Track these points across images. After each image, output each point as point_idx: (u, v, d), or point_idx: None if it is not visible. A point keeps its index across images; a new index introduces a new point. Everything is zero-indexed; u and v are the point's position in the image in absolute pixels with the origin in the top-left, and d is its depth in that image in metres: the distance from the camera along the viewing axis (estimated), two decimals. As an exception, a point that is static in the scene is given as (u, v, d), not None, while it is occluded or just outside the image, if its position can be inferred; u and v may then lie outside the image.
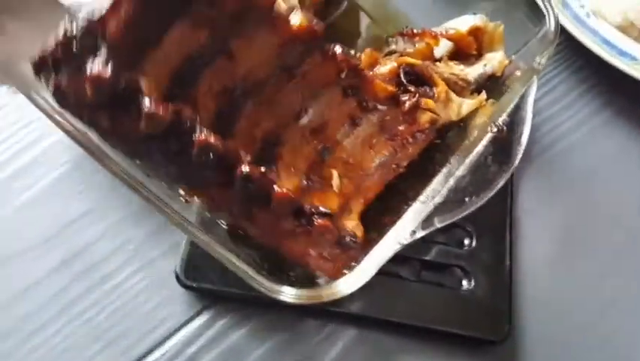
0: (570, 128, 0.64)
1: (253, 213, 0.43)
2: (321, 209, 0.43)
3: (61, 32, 0.37)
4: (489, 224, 0.56)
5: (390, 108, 0.49)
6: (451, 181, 0.45)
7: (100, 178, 0.55)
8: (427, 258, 0.53)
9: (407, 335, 0.51)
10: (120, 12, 0.38)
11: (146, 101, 0.38)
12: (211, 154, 0.40)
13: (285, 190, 0.42)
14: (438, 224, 0.44)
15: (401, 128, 0.49)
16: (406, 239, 0.43)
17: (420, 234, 0.43)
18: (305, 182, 0.47)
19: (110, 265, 0.52)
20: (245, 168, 0.41)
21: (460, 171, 0.46)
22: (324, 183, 0.48)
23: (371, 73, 0.49)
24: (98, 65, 0.36)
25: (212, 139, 0.40)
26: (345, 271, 0.43)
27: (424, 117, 0.49)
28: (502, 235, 0.55)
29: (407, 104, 0.49)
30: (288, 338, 0.51)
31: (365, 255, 0.43)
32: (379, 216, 0.48)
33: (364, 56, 0.52)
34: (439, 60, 0.56)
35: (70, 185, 0.55)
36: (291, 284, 0.41)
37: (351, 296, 0.47)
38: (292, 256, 0.44)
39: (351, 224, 0.47)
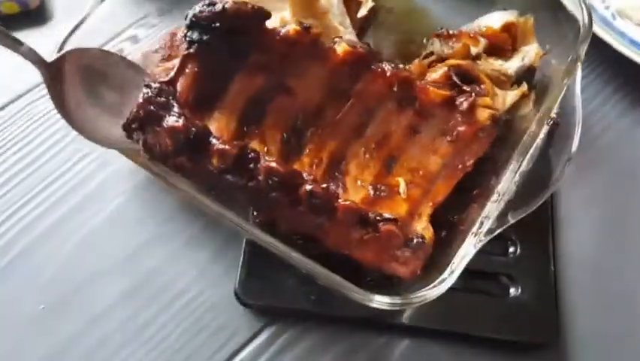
0: (602, 130, 0.65)
1: (323, 227, 0.46)
2: (386, 215, 0.45)
3: (140, 98, 0.44)
4: (532, 230, 0.57)
5: (448, 112, 0.52)
6: (518, 176, 0.48)
7: (158, 206, 0.58)
8: (474, 267, 0.56)
9: (459, 344, 0.53)
10: (186, 73, 0.47)
11: (215, 141, 0.44)
12: (275, 177, 0.44)
13: (349, 202, 0.45)
14: (512, 219, 0.46)
15: (461, 128, 0.51)
16: (485, 237, 0.45)
17: (497, 231, 0.46)
18: (372, 192, 0.51)
19: (175, 289, 0.54)
20: (308, 186, 0.44)
21: (524, 166, 0.48)
22: (392, 192, 0.51)
23: (422, 81, 0.52)
24: (171, 119, 0.43)
25: (274, 164, 0.44)
26: (418, 271, 0.46)
27: (484, 115, 0.51)
28: (545, 240, 0.57)
29: (465, 105, 0.51)
30: (347, 349, 0.53)
31: (443, 254, 0.46)
32: (446, 215, 0.51)
33: (414, 67, 0.55)
34: (478, 58, 0.58)
35: (131, 214, 0.57)
36: (370, 288, 0.44)
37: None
38: (366, 262, 0.47)
39: (421, 226, 0.50)
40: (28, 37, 0.65)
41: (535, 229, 0.58)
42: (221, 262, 0.55)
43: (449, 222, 0.52)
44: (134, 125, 0.45)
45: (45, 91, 0.45)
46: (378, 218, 0.44)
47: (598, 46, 0.68)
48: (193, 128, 0.43)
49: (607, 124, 0.66)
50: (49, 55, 0.46)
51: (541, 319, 0.53)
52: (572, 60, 0.53)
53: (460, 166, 0.52)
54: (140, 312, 0.53)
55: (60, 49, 0.48)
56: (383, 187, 0.50)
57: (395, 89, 0.51)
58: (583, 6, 0.55)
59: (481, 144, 0.52)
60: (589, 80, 0.69)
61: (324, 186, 0.44)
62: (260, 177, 0.43)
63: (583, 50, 0.53)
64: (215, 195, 0.45)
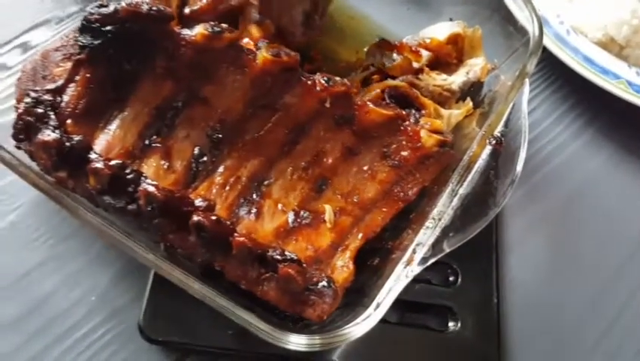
0: (553, 152, 0.61)
1: (218, 261, 0.41)
2: (287, 255, 0.40)
3: (21, 108, 0.39)
4: (475, 258, 0.52)
5: (390, 133, 0.47)
6: (456, 201, 0.43)
7: (56, 223, 0.51)
8: (411, 298, 0.51)
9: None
10: (76, 80, 0.41)
11: (94, 157, 0.39)
12: (154, 203, 0.39)
13: (243, 239, 0.39)
14: (447, 248, 0.42)
15: (405, 154, 0.46)
16: (417, 267, 0.41)
17: (431, 260, 0.41)
18: (293, 219, 0.45)
19: (70, 320, 0.47)
20: (195, 218, 0.39)
21: (463, 189, 0.44)
22: (317, 220, 0.45)
23: (361, 98, 0.47)
24: (45, 133, 0.39)
25: (152, 188, 0.39)
26: (325, 316, 0.40)
27: (430, 141, 0.46)
28: (488, 268, 0.52)
29: (409, 128, 0.46)
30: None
31: (374, 285, 0.41)
32: (380, 241, 0.46)
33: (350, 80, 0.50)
34: (420, 71, 0.54)
35: (23, 232, 0.50)
36: (285, 326, 0.39)
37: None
38: (268, 300, 0.41)
39: (341, 262, 0.45)
40: None
41: (477, 256, 0.53)
42: (126, 287, 0.49)
43: (383, 249, 0.47)
44: (20, 136, 0.41)
45: None
46: (277, 258, 0.39)
47: (552, 62, 0.65)
48: (67, 143, 0.38)
49: (559, 145, 0.63)
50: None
51: (482, 357, 0.49)
52: (519, 74, 0.48)
53: (401, 195, 0.47)
54: (28, 346, 0.46)
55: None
56: (307, 214, 0.45)
57: (328, 104, 0.46)
58: (534, 17, 0.52)
59: (427, 173, 0.47)
60: (542, 97, 0.66)
61: (215, 218, 0.39)
62: (140, 201, 0.38)
63: (532, 64, 0.49)
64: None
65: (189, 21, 0.51)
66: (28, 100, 0.40)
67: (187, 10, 0.52)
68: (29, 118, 0.39)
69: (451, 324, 0.50)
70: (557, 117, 0.64)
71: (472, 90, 0.55)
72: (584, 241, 0.57)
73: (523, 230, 0.57)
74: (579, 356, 0.51)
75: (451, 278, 0.52)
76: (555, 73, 0.66)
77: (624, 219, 0.59)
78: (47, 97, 0.40)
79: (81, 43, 0.40)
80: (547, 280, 0.55)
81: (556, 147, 0.62)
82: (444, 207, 0.43)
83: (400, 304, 0.50)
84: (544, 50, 0.63)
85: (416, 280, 0.50)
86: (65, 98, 0.41)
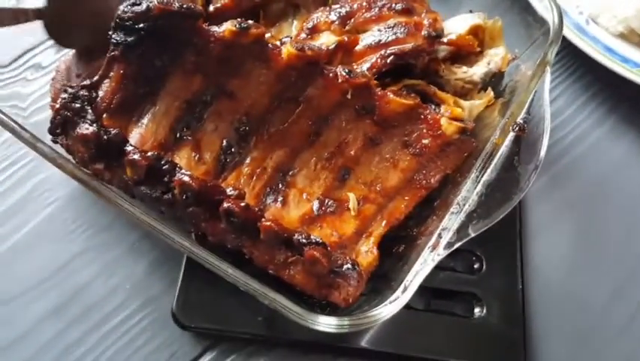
0: (575, 140, 0.61)
1: (246, 246, 0.42)
2: (312, 238, 0.41)
3: (58, 103, 0.42)
4: (499, 245, 0.53)
5: (411, 122, 0.48)
6: (480, 187, 0.44)
7: (92, 215, 0.53)
8: (437, 285, 0.51)
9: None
10: (110, 76, 0.43)
11: (130, 150, 0.41)
12: (189, 192, 0.41)
13: (270, 223, 0.41)
14: (472, 233, 0.43)
15: (426, 142, 0.47)
16: (443, 252, 0.42)
17: (456, 245, 0.42)
18: (317, 208, 0.46)
19: (107, 307, 0.49)
20: (226, 204, 0.41)
21: (487, 176, 0.44)
22: (341, 208, 0.47)
23: (382, 89, 0.48)
24: (83, 127, 0.41)
25: (187, 178, 0.41)
26: (350, 299, 0.42)
27: (451, 128, 0.47)
28: (512, 256, 0.52)
29: (429, 117, 0.47)
30: (298, 375, 0.49)
31: (399, 270, 0.42)
32: (405, 228, 0.47)
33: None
34: (443, 61, 0.55)
35: (62, 224, 0.52)
36: (313, 308, 0.41)
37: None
38: (295, 285, 0.43)
39: (366, 248, 0.46)
40: None
41: (502, 243, 0.54)
42: (160, 276, 0.51)
43: (408, 236, 0.48)
44: (57, 131, 0.43)
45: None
46: (303, 241, 0.40)
47: (573, 52, 0.65)
48: (105, 136, 0.40)
49: (581, 133, 0.63)
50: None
51: (508, 343, 0.49)
52: (540, 63, 0.49)
53: (423, 182, 0.48)
54: (66, 333, 0.48)
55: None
56: (331, 202, 0.46)
57: (350, 96, 0.47)
58: (553, 7, 0.52)
59: (448, 160, 0.48)
60: (563, 87, 0.66)
61: (244, 204, 0.40)
62: (175, 191, 0.40)
63: (552, 52, 0.50)
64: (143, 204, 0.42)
65: (214, 18, 0.53)
66: (65, 95, 0.42)
67: (211, 8, 0.54)
68: (67, 113, 0.41)
69: (476, 310, 0.50)
70: (579, 106, 0.64)
71: (494, 80, 0.56)
72: (608, 228, 0.57)
73: (547, 217, 0.57)
74: (605, 342, 0.51)
75: (475, 265, 0.52)
76: (575, 62, 0.66)
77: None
78: (83, 92, 0.42)
79: (115, 41, 0.42)
80: (571, 267, 0.55)
81: (579, 136, 0.62)
82: (468, 193, 0.44)
83: (426, 291, 0.51)
84: (564, 39, 0.63)
85: (441, 267, 0.52)
86: (100, 93, 0.43)
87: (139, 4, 0.41)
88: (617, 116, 0.64)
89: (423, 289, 0.50)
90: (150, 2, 0.41)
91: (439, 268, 0.51)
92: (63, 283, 0.50)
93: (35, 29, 0.48)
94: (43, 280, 0.50)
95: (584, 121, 0.63)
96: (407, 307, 0.49)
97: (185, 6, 0.42)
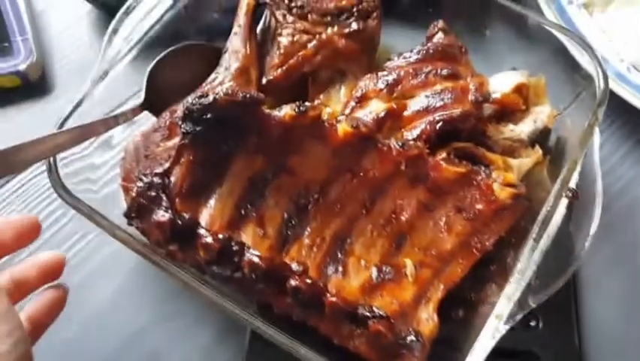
0: (624, 188, 0.62)
1: (312, 320, 0.45)
2: (376, 311, 0.43)
3: (134, 191, 0.45)
4: (553, 300, 0.53)
5: (463, 189, 0.49)
6: (538, 255, 0.45)
7: (160, 285, 0.56)
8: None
9: None
10: (181, 163, 0.46)
11: (203, 232, 0.44)
12: (258, 271, 0.43)
13: (335, 299, 0.43)
14: (532, 303, 0.44)
15: (480, 207, 0.48)
16: (506, 325, 0.43)
17: (519, 316, 0.43)
18: (376, 275, 0.48)
19: (178, 378, 0.52)
20: (293, 282, 0.43)
21: (544, 245, 0.45)
22: (399, 274, 0.48)
23: (434, 158, 0.49)
24: (159, 213, 0.44)
25: (256, 259, 0.44)
26: None
27: (504, 193, 0.48)
28: (568, 310, 0.53)
29: (482, 183, 0.48)
30: None
31: (462, 336, 0.44)
32: (462, 293, 0.48)
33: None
34: (489, 120, 0.56)
35: (132, 294, 0.55)
36: None
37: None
38: (362, 354, 0.44)
39: (426, 315, 0.47)
40: (29, 109, 0.66)
41: (556, 298, 0.53)
42: (227, 345, 0.53)
43: (466, 301, 0.49)
44: (132, 215, 0.45)
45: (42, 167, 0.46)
46: (367, 315, 0.42)
47: (615, 100, 0.66)
48: (179, 221, 0.43)
49: (627, 182, 0.63)
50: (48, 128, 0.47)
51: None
52: (589, 125, 0.50)
53: (478, 245, 0.49)
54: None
55: (61, 126, 0.49)
56: (388, 269, 0.48)
57: (404, 167, 0.49)
58: (597, 66, 0.53)
59: (502, 223, 0.49)
60: (606, 135, 0.66)
61: (310, 282, 0.43)
62: (245, 270, 0.43)
63: (600, 113, 0.51)
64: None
65: (267, 90, 0.56)
66: (140, 184, 0.45)
67: (264, 81, 0.57)
68: (143, 200, 0.44)
69: (536, 369, 0.51)
70: (624, 153, 0.65)
71: (540, 137, 0.57)
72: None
73: (600, 271, 0.57)
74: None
75: (532, 323, 0.53)
76: (618, 110, 0.67)
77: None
78: (157, 180, 0.45)
79: (184, 130, 0.45)
80: (627, 322, 0.55)
81: (627, 183, 0.63)
82: (526, 262, 0.45)
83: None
84: (605, 88, 0.64)
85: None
86: (172, 179, 0.46)
87: (206, 97, 0.44)
88: (664, 163, 0.64)
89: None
90: (217, 94, 0.44)
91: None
92: (136, 351, 0.53)
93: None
94: (118, 348, 0.53)
95: (631, 168, 0.64)
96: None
97: (248, 95, 0.45)
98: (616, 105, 0.66)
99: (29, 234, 0.41)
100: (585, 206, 0.47)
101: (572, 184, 0.48)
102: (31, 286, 0.43)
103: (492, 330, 0.42)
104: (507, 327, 0.42)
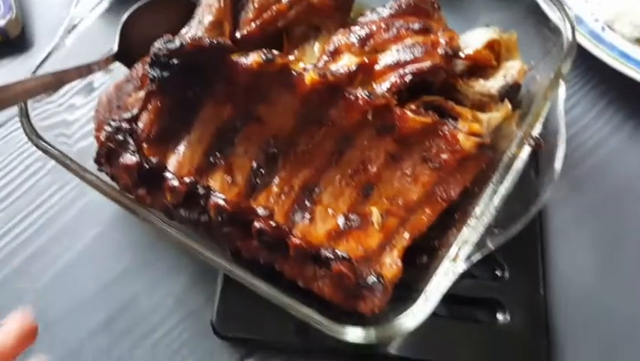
0: (594, 147, 0.63)
1: (278, 262, 0.46)
2: (339, 254, 0.45)
3: (102, 136, 0.46)
4: (520, 252, 0.54)
5: (429, 139, 0.50)
6: (498, 200, 0.46)
7: (136, 234, 0.57)
8: (459, 293, 0.53)
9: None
10: (149, 109, 0.47)
11: (169, 176, 0.45)
12: (224, 214, 0.44)
13: (298, 241, 0.44)
14: (492, 246, 0.45)
15: (445, 157, 0.49)
16: (463, 265, 0.44)
17: (476, 258, 0.44)
18: (343, 223, 0.49)
19: (151, 321, 0.53)
20: (257, 224, 0.44)
21: (505, 190, 0.46)
22: (365, 222, 0.49)
23: (401, 109, 0.50)
24: (126, 157, 0.45)
25: (221, 202, 0.45)
26: (376, 309, 0.45)
27: (468, 143, 0.49)
28: (534, 262, 0.54)
29: (448, 133, 0.49)
30: (329, 381, 0.51)
31: (423, 281, 0.45)
32: (427, 240, 0.50)
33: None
34: (460, 76, 0.57)
35: (108, 244, 0.57)
36: (341, 320, 0.43)
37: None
38: (324, 296, 0.46)
39: (390, 260, 0.48)
40: (9, 65, 0.67)
41: (523, 250, 0.55)
42: (199, 291, 0.54)
43: (430, 247, 0.50)
44: (102, 160, 0.46)
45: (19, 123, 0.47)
46: (330, 256, 0.43)
47: (589, 59, 0.66)
48: (146, 165, 0.44)
49: (599, 140, 0.64)
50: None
51: (533, 350, 0.51)
52: (554, 76, 0.51)
53: (444, 195, 0.50)
54: (115, 346, 0.52)
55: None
56: (355, 217, 0.49)
57: (370, 117, 0.50)
58: (566, 20, 0.54)
59: (467, 173, 0.50)
60: (581, 94, 0.67)
61: (274, 224, 0.44)
62: (211, 213, 0.44)
63: (566, 66, 0.51)
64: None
65: (241, 44, 0.56)
66: (108, 128, 0.46)
67: (238, 35, 0.58)
68: (111, 144, 0.45)
69: (499, 317, 0.52)
70: (597, 113, 0.65)
71: (511, 92, 0.57)
72: (631, 233, 0.58)
73: (568, 223, 0.58)
74: (634, 350, 0.53)
75: (497, 272, 0.55)
76: (592, 70, 0.67)
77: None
78: (125, 125, 0.46)
79: (151, 76, 0.46)
80: (595, 274, 0.56)
81: (597, 142, 0.64)
82: (485, 207, 0.46)
83: (449, 298, 0.53)
84: (580, 47, 0.64)
85: (463, 274, 0.54)
86: (140, 125, 0.46)
87: (172, 42, 0.45)
88: (636, 122, 0.65)
89: (446, 296, 0.53)
90: (183, 40, 0.45)
91: (461, 275, 0.54)
92: (111, 298, 0.54)
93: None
94: (94, 296, 0.55)
95: (603, 128, 0.65)
96: (431, 314, 0.53)
97: (215, 41, 0.46)
98: (592, 65, 0.67)
99: (29, 339, 0.39)
100: (549, 155, 0.48)
101: (536, 133, 0.49)
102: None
103: (446, 270, 0.44)
104: (464, 267, 0.44)
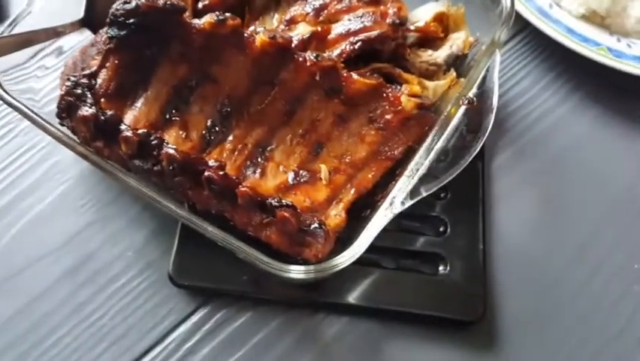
0: (540, 116, 0.66)
1: (227, 210, 0.49)
2: (283, 202, 0.48)
3: (62, 90, 0.49)
4: (462, 211, 0.59)
5: (375, 100, 0.53)
6: (432, 154, 0.50)
7: (99, 192, 0.60)
8: (406, 248, 0.57)
9: (393, 321, 0.54)
10: (107, 66, 0.50)
11: (121, 129, 0.48)
12: (175, 163, 0.47)
13: (246, 189, 0.47)
14: (424, 193, 0.49)
15: (389, 117, 0.53)
16: (397, 209, 0.47)
17: (408, 203, 0.48)
18: (292, 178, 0.52)
19: (112, 271, 0.56)
20: (207, 173, 0.47)
21: (440, 144, 0.50)
22: (314, 178, 0.53)
23: (348, 72, 0.54)
24: (84, 109, 0.48)
25: (172, 151, 0.47)
26: (320, 255, 0.47)
27: (410, 104, 0.53)
28: (475, 220, 0.58)
29: (391, 94, 0.53)
30: (281, 327, 0.54)
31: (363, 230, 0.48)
32: (373, 197, 0.53)
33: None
34: (411, 47, 0.61)
35: (73, 200, 0.60)
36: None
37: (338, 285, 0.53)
38: (271, 244, 0.49)
39: (335, 212, 0.52)
40: None
41: (467, 211, 0.59)
42: (158, 244, 0.58)
43: (374, 203, 0.54)
44: (63, 115, 0.49)
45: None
46: (275, 204, 0.46)
47: (538, 35, 0.70)
48: (102, 117, 0.47)
49: (545, 110, 0.67)
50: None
51: (470, 297, 0.55)
52: (490, 43, 0.54)
53: (388, 154, 0.53)
54: (78, 292, 0.56)
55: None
56: (305, 173, 0.52)
57: (318, 78, 0.53)
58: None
59: (410, 133, 0.54)
60: (530, 68, 0.71)
61: (223, 173, 0.47)
62: (163, 162, 0.46)
63: (502, 33, 0.55)
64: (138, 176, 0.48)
65: (203, 13, 0.59)
66: (68, 83, 0.49)
67: (200, 5, 0.61)
68: (70, 98, 0.48)
69: (441, 268, 0.56)
70: (544, 85, 0.69)
71: (458, 62, 0.61)
72: (569, 198, 0.62)
73: (511, 188, 0.62)
74: (563, 298, 0.56)
75: (441, 229, 0.58)
76: (540, 45, 0.71)
77: (607, 177, 0.63)
78: (84, 80, 0.49)
79: (109, 35, 0.49)
80: (533, 231, 0.60)
81: (543, 112, 0.67)
82: (421, 160, 0.49)
83: (397, 252, 0.57)
84: (529, 23, 0.68)
85: (410, 231, 0.57)
86: (99, 81, 0.50)
87: (129, 3, 0.48)
88: (581, 94, 0.69)
89: (393, 251, 0.57)
90: (139, 0, 0.48)
91: (408, 232, 0.58)
92: (75, 250, 0.58)
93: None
94: (59, 247, 0.58)
95: (549, 99, 0.68)
96: (379, 266, 0.56)
97: (169, 2, 0.49)
98: (542, 40, 0.71)
99: None
100: (481, 115, 0.52)
101: (470, 94, 0.52)
102: None
103: (381, 214, 0.47)
104: (397, 211, 0.47)
